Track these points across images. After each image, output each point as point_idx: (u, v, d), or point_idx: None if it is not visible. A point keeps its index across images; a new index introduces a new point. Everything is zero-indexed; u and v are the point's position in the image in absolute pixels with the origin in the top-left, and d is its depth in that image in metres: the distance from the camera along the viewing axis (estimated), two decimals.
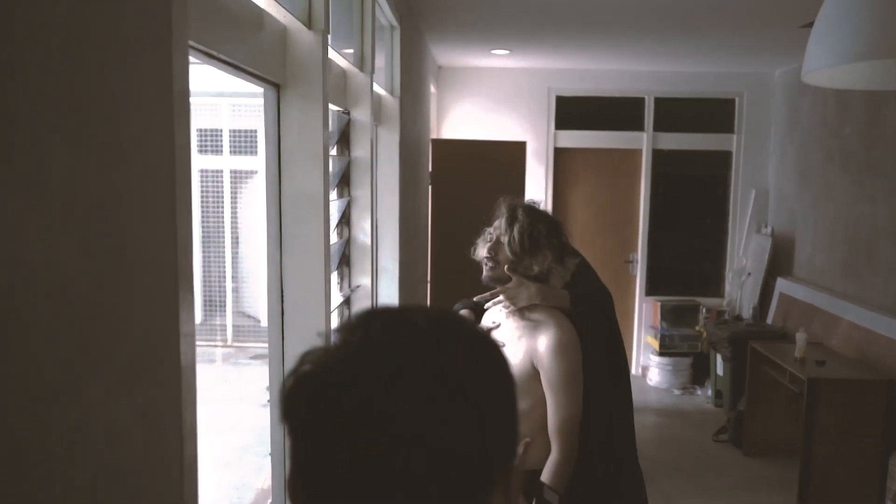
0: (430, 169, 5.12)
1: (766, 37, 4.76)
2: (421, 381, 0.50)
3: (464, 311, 2.12)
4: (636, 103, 6.15)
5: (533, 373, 1.92)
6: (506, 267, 1.94)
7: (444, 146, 5.32)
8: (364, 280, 2.54)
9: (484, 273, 1.97)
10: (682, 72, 6.00)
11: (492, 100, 6.08)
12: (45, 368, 0.68)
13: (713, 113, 6.17)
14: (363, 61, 2.41)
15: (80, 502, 0.73)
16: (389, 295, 3.38)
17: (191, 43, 1.22)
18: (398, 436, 0.49)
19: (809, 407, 3.83)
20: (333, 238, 2.46)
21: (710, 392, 5.73)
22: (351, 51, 2.44)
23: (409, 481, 0.49)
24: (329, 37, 1.73)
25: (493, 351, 0.58)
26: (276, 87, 1.67)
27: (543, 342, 1.90)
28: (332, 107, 2.37)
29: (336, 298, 2.44)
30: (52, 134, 0.68)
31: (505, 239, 1.93)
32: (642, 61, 5.70)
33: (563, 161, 6.22)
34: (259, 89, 1.66)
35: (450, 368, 0.52)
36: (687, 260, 6.43)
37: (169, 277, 0.93)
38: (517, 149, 5.28)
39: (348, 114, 2.44)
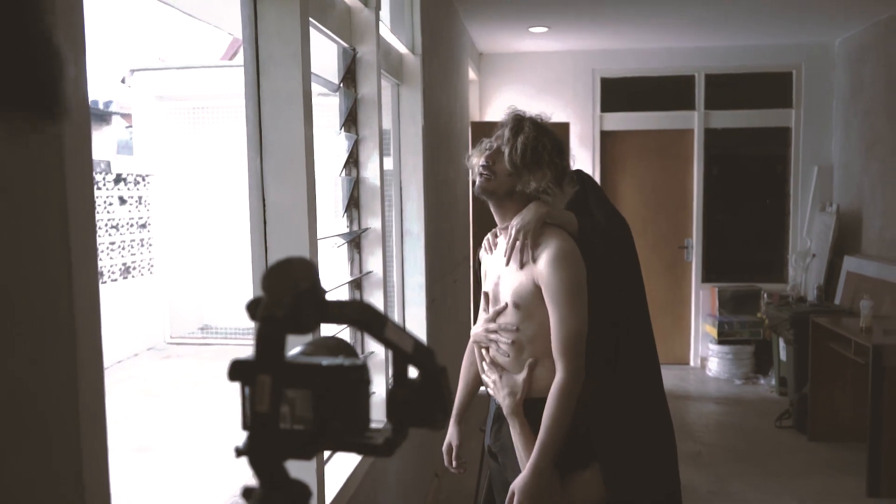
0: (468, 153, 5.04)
1: (825, 1, 4.51)
2: None
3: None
4: (686, 81, 5.92)
5: (535, 291, 1.79)
6: (504, 178, 1.81)
7: (483, 128, 5.22)
8: (374, 223, 2.47)
9: (477, 183, 1.84)
10: (734, 46, 5.74)
11: (534, 85, 5.97)
12: None
13: (768, 88, 5.87)
14: None
15: None
16: (415, 259, 3.30)
17: None
18: None
19: (876, 378, 3.52)
20: (339, 175, 2.41)
21: (773, 381, 5.38)
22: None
23: None
24: None
25: None
26: None
27: (544, 255, 1.77)
28: (338, 41, 2.35)
29: (339, 239, 2.38)
30: None
31: (506, 149, 1.79)
32: (690, 36, 5.49)
33: (610, 145, 6.04)
34: None
35: None
36: (746, 244, 6.10)
37: None
38: (559, 130, 5.13)
39: (355, 51, 2.40)
